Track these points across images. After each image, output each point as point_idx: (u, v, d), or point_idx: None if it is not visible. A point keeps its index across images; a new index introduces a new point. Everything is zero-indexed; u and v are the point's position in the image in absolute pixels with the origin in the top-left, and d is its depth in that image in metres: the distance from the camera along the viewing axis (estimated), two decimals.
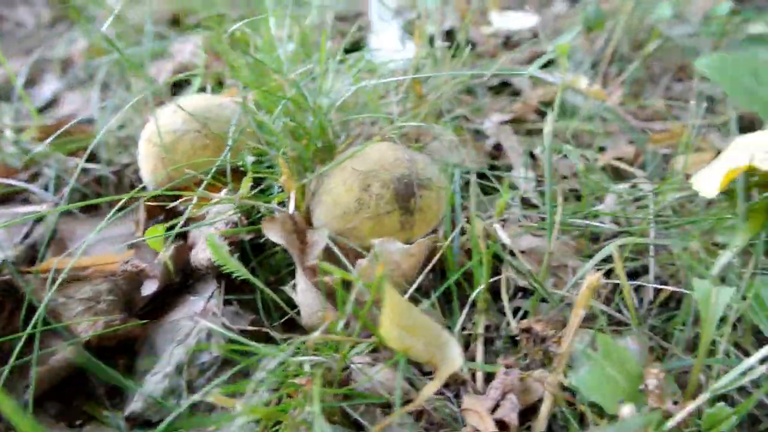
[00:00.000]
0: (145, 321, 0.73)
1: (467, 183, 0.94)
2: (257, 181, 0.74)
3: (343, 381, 0.61)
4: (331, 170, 0.72)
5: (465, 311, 0.65)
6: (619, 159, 0.96)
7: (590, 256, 0.82)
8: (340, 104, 0.84)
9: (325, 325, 0.53)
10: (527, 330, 0.60)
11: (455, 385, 0.65)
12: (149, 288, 0.79)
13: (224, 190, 0.70)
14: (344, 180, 0.70)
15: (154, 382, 0.68)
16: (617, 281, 0.76)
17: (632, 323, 0.64)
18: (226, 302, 0.78)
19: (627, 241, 0.68)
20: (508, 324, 0.65)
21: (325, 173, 0.73)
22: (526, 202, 0.93)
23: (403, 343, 0.51)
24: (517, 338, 0.62)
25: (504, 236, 0.62)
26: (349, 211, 0.69)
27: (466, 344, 0.66)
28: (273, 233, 0.66)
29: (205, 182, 0.70)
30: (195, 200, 0.70)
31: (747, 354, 0.70)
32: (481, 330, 0.65)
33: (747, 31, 1.27)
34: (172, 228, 0.73)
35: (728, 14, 1.20)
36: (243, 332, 0.72)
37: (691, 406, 0.54)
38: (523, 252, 0.80)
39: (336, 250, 0.67)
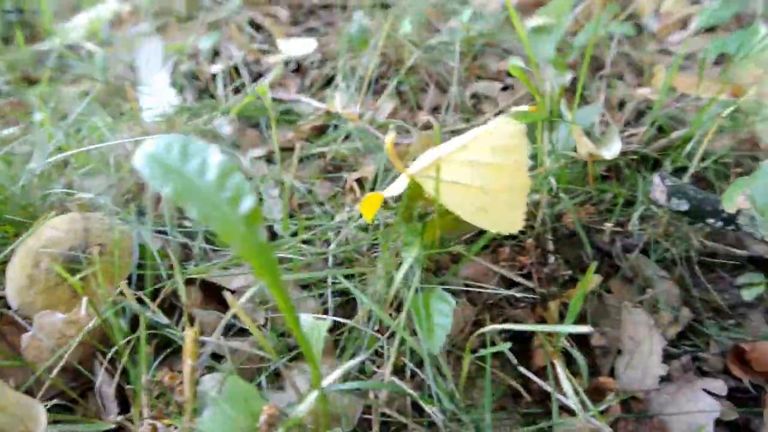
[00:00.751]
0: None
1: None
2: None
3: None
4: (18, 248, 0.77)
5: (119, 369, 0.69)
6: (360, 180, 1.00)
7: (306, 286, 0.87)
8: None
9: None
10: (159, 382, 0.65)
11: None
12: None
13: None
14: (20, 258, 0.75)
15: None
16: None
17: (273, 358, 0.68)
18: None
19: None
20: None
21: (15, 250, 0.77)
22: (275, 235, 0.97)
23: None
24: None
25: (129, 294, 0.66)
26: (23, 287, 0.73)
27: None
28: None
29: None
30: None
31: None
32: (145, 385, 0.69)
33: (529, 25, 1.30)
34: None
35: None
36: None
37: None
38: (233, 292, 0.85)
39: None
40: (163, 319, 0.70)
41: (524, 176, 0.75)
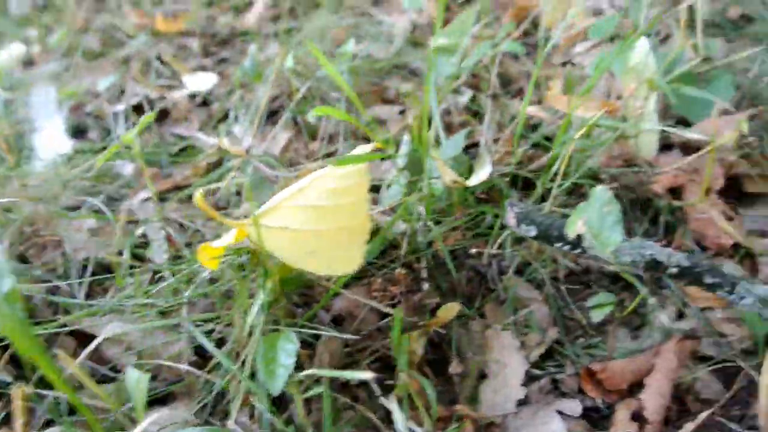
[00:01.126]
0: None
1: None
2: None
3: None
4: None
5: None
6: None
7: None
8: None
9: None
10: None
11: None
12: None
13: None
14: None
15: None
16: None
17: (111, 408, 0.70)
18: None
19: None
20: None
21: None
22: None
23: None
24: None
25: None
26: None
27: None
28: None
29: None
30: None
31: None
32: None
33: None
34: None
35: None
36: None
37: None
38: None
39: None
40: (7, 378, 0.72)
41: (362, 216, 0.76)
